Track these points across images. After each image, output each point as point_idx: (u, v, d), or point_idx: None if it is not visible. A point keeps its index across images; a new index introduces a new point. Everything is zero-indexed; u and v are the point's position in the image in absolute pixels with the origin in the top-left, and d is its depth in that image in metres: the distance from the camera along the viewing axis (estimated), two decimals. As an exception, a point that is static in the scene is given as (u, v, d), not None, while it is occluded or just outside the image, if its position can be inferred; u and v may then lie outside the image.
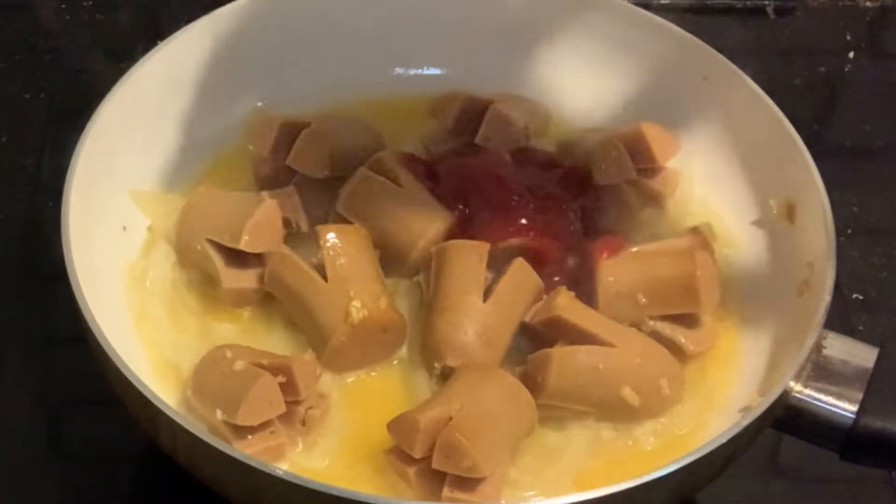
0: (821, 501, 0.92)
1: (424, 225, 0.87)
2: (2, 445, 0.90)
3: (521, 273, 0.84)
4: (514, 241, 0.86)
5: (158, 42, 0.93)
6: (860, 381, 0.79)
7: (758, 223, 0.92)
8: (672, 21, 0.97)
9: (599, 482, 0.73)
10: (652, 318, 0.85)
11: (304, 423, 0.80)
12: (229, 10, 0.95)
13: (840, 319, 0.95)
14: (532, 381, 0.81)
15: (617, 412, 0.82)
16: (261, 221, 0.84)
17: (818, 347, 0.80)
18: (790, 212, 0.89)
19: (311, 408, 0.80)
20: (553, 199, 0.89)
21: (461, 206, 0.88)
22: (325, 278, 0.83)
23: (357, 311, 0.81)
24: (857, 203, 1.07)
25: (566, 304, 0.83)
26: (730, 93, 0.94)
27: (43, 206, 1.01)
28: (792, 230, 0.89)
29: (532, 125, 0.95)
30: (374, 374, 0.84)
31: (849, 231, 1.05)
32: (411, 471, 0.77)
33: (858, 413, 0.78)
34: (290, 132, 0.90)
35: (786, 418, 0.79)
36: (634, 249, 0.88)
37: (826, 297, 0.81)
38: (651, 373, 0.82)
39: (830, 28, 1.22)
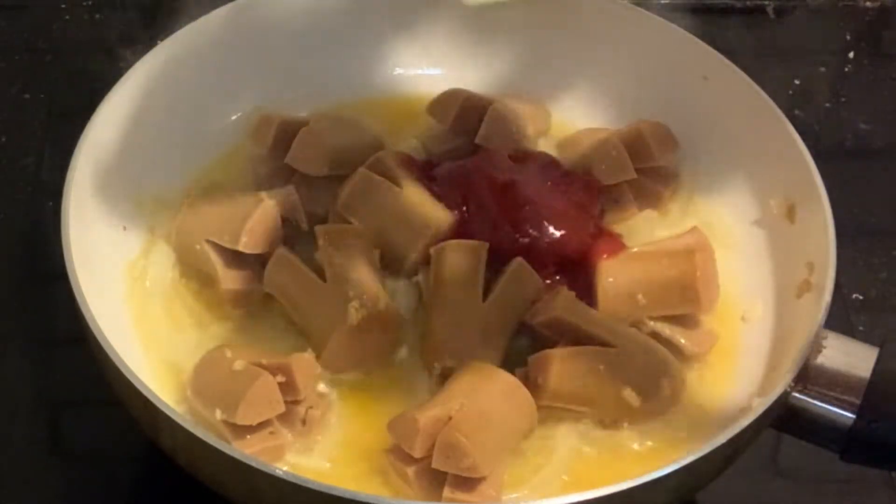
0: (821, 501, 0.92)
1: (424, 225, 0.86)
2: (2, 445, 0.90)
3: (521, 273, 0.84)
4: (513, 242, 0.86)
5: (158, 42, 0.93)
6: (860, 381, 0.79)
7: (758, 223, 0.92)
8: (672, 21, 0.97)
9: (599, 482, 0.73)
10: (652, 318, 0.85)
11: (303, 422, 0.80)
12: (228, 10, 0.95)
13: (840, 319, 0.95)
14: (532, 382, 0.81)
15: (617, 413, 0.82)
16: (260, 222, 0.84)
17: (818, 347, 0.80)
18: (790, 212, 0.89)
19: (310, 407, 0.80)
20: (552, 199, 0.88)
21: (461, 207, 0.88)
22: (324, 278, 0.83)
23: (356, 311, 0.81)
24: (857, 203, 1.07)
25: (566, 304, 0.83)
26: (730, 93, 0.94)
27: (43, 206, 1.01)
28: (792, 230, 0.89)
29: (532, 125, 0.95)
30: (374, 374, 0.84)
31: (849, 231, 1.04)
32: (411, 471, 0.77)
33: (858, 413, 0.78)
34: (289, 131, 0.90)
35: (786, 418, 0.79)
36: (634, 249, 0.88)
37: (826, 298, 0.81)
38: (651, 373, 0.82)
39: (830, 28, 1.22)
